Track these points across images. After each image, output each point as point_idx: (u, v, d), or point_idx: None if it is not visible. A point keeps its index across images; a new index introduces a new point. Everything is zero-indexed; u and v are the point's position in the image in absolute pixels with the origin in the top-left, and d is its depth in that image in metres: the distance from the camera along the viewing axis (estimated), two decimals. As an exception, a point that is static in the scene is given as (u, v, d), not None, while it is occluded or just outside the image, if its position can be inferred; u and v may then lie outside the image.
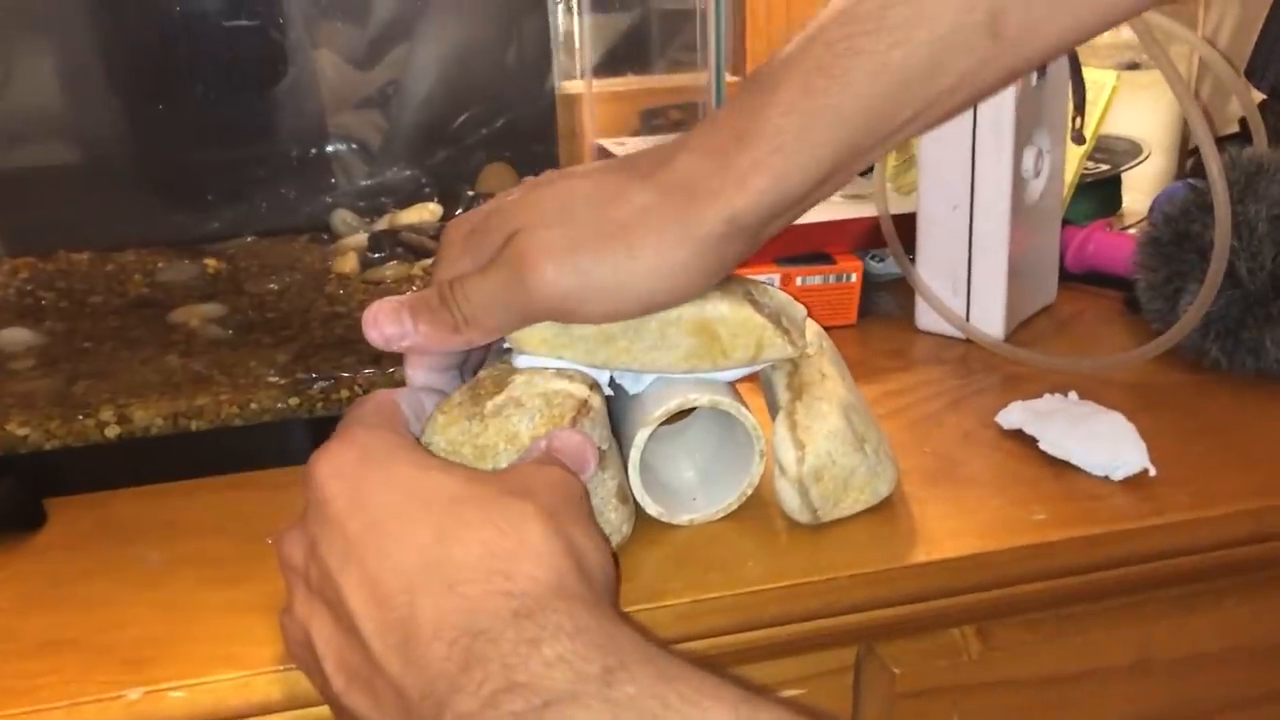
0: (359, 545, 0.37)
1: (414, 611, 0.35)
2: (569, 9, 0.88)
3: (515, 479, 0.40)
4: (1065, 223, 0.76)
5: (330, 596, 0.37)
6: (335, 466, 0.39)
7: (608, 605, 0.36)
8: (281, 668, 0.42)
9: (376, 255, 0.73)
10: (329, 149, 0.82)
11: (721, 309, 0.47)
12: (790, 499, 0.48)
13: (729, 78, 0.98)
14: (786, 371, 0.50)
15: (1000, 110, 0.63)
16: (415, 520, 0.37)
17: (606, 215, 0.44)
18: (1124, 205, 0.89)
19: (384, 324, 0.46)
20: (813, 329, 0.52)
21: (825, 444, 0.47)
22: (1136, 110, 0.86)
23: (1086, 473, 0.53)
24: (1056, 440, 0.55)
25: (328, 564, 0.37)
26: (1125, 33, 0.88)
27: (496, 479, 0.40)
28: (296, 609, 0.39)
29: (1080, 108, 0.67)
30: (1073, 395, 0.59)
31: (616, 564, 0.38)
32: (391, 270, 0.71)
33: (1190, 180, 0.68)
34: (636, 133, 0.91)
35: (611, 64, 0.92)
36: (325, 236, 0.78)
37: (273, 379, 0.57)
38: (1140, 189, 0.89)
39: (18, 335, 0.63)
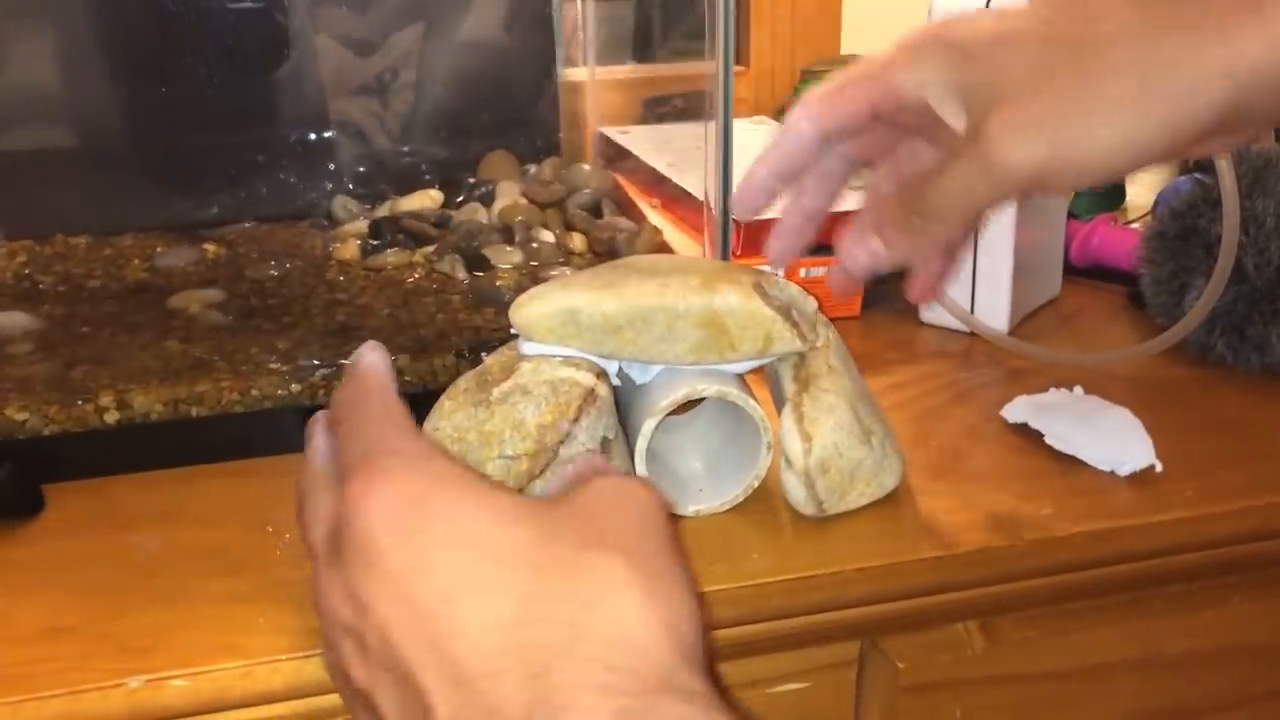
0: (430, 620, 0.32)
1: (500, 700, 0.30)
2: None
3: (592, 521, 0.34)
4: (1070, 216, 0.75)
5: (399, 672, 0.32)
6: (386, 515, 0.34)
7: (712, 696, 0.31)
8: (283, 657, 0.42)
9: (377, 242, 0.72)
10: (329, 134, 0.81)
11: (731, 301, 0.47)
12: (796, 491, 0.47)
13: (734, 68, 0.98)
14: (793, 363, 0.49)
15: (1008, 102, 0.63)
16: (493, 592, 0.32)
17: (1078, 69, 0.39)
18: (1128, 199, 0.89)
19: (859, 254, 0.44)
20: (820, 321, 0.51)
21: (832, 436, 0.47)
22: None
23: (1092, 467, 0.53)
24: (1062, 435, 0.54)
25: (391, 636, 0.32)
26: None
27: (572, 523, 0.34)
28: (354, 673, 0.34)
29: (1088, 101, 0.67)
30: (1078, 390, 0.59)
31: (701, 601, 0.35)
32: (392, 257, 0.70)
33: (1196, 175, 0.68)
34: (640, 120, 0.91)
35: (614, 51, 0.92)
36: (325, 222, 0.78)
37: (274, 365, 0.57)
38: (1144, 183, 0.89)
39: (15, 319, 0.63)
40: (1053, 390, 0.58)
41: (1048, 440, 0.54)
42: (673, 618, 0.32)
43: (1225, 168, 0.56)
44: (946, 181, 0.42)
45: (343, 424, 0.39)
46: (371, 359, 0.42)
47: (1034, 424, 0.55)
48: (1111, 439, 0.54)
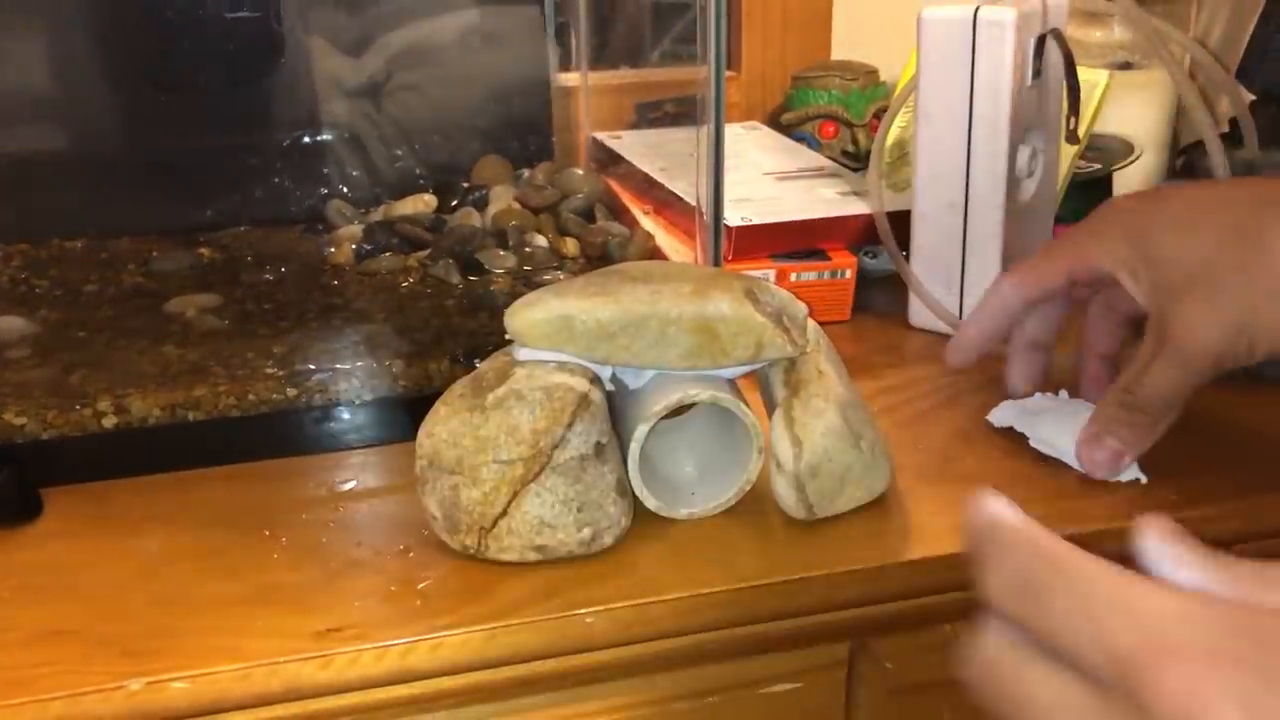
0: None
1: None
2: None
3: None
4: (1057, 221, 0.76)
5: None
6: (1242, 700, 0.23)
7: None
8: (281, 659, 0.42)
9: (371, 246, 0.73)
10: (324, 139, 0.82)
11: (722, 307, 0.47)
12: (787, 495, 0.48)
13: (725, 72, 0.98)
14: (784, 368, 0.50)
15: (996, 109, 0.64)
16: None
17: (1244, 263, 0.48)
18: (1114, 204, 0.90)
19: (1102, 458, 0.52)
20: (810, 326, 0.52)
21: (822, 441, 0.48)
22: (1128, 110, 0.86)
23: (1078, 470, 0.54)
24: (1047, 439, 0.55)
25: None
26: (1117, 32, 0.88)
27: None
28: None
29: (1075, 108, 0.68)
30: (1063, 394, 0.59)
31: None
32: (387, 261, 0.71)
33: (1180, 181, 0.69)
34: (632, 126, 0.91)
35: (607, 56, 0.92)
36: (320, 227, 0.78)
37: (270, 370, 0.57)
38: (1131, 188, 0.90)
39: (13, 324, 0.63)
40: (1038, 394, 0.59)
41: (1032, 444, 0.55)
42: None
43: (1221, 165, 0.57)
44: (1157, 380, 0.50)
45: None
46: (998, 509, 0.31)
47: (1019, 427, 0.56)
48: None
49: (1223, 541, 0.53)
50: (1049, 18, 0.66)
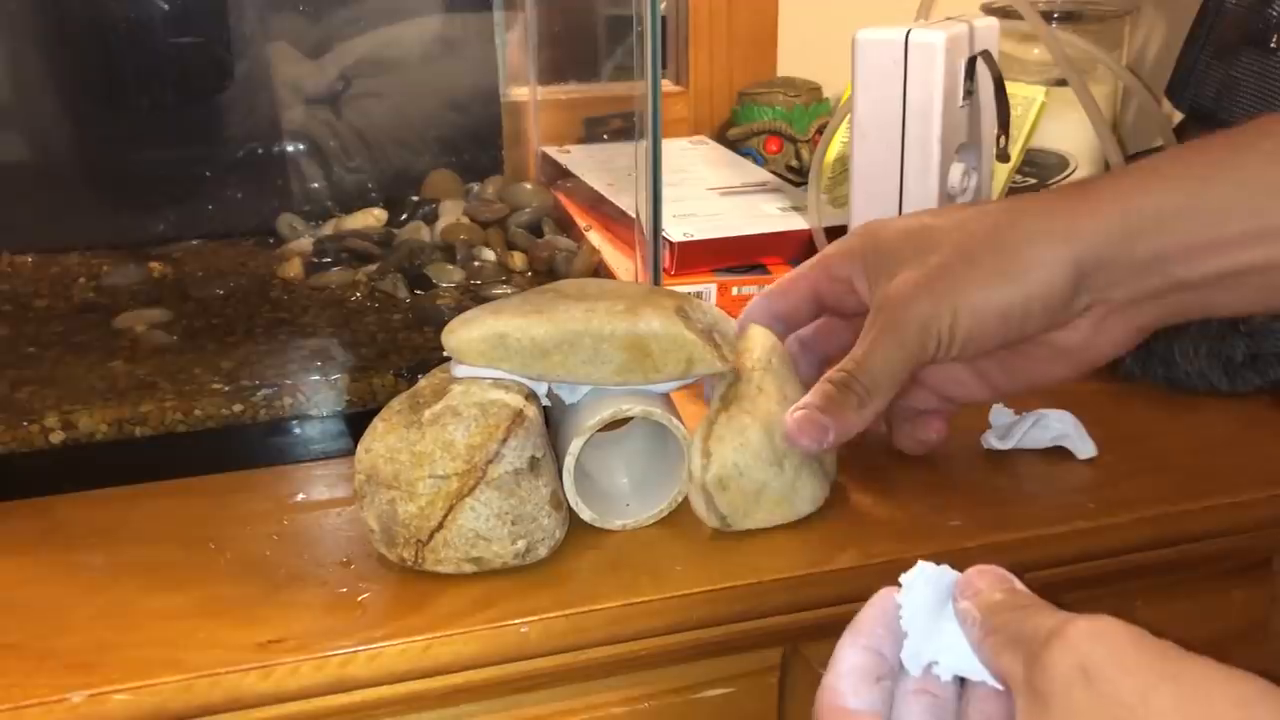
0: None
1: None
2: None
3: None
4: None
5: None
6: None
7: None
8: (222, 671, 0.43)
9: (321, 260, 0.74)
10: (276, 153, 0.83)
11: (654, 325, 0.49)
12: (697, 503, 0.50)
13: (674, 87, 1.00)
14: (727, 383, 0.51)
15: (927, 128, 0.66)
16: None
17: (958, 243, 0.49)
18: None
19: (805, 437, 0.49)
20: (766, 345, 0.53)
21: (733, 456, 0.49)
22: (1064, 125, 0.88)
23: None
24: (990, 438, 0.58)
25: None
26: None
27: None
28: None
29: (1005, 127, 0.70)
30: (997, 405, 0.61)
31: None
32: (336, 275, 0.72)
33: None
34: (580, 140, 0.93)
35: (556, 71, 0.94)
36: (271, 240, 0.79)
37: (216, 386, 0.58)
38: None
39: (-39, 340, 0.64)
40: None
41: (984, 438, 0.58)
42: None
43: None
44: (872, 358, 0.49)
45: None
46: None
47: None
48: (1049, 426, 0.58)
49: (1141, 548, 0.55)
50: (978, 40, 0.68)
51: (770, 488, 0.50)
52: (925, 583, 0.38)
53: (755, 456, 0.49)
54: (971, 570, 0.38)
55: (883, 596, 0.38)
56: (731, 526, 0.50)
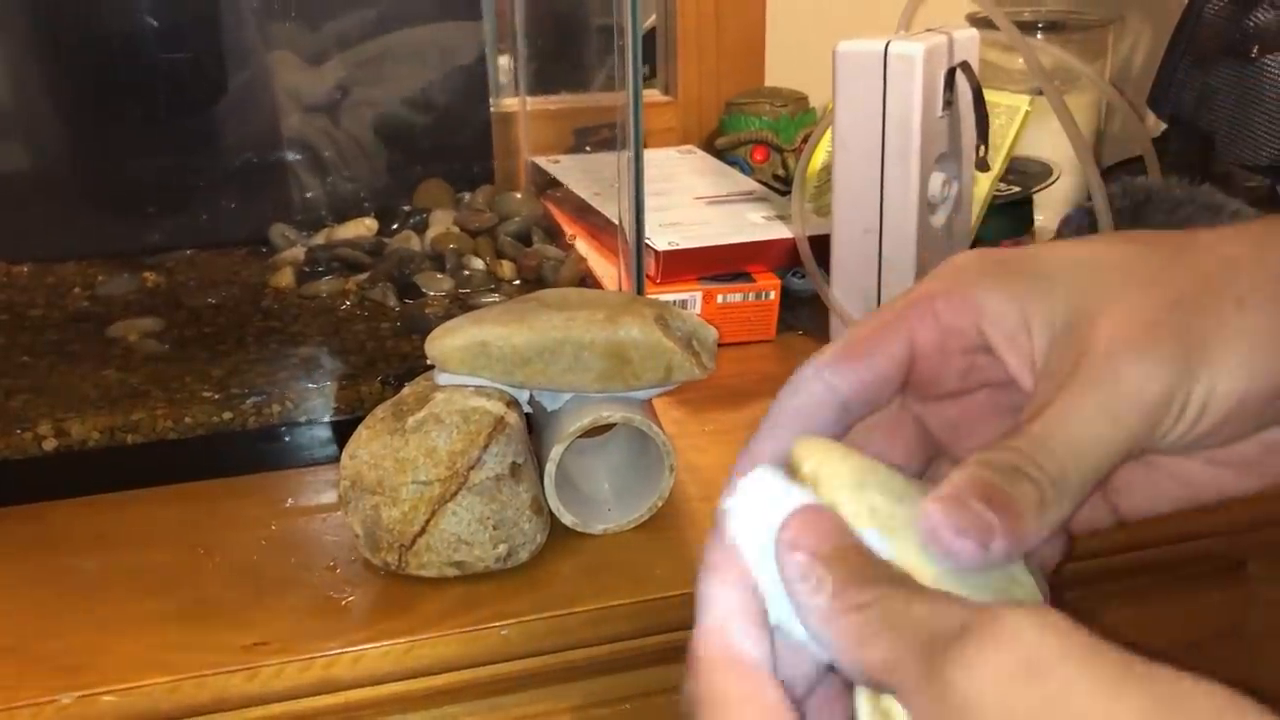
0: None
1: None
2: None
3: None
4: (978, 241, 0.79)
5: None
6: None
7: None
8: (209, 672, 0.44)
9: (313, 269, 0.75)
10: (269, 162, 0.84)
11: (633, 333, 0.50)
12: None
13: (663, 98, 1.01)
14: None
15: (907, 138, 0.67)
16: None
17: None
18: (1037, 224, 0.93)
19: (960, 538, 0.28)
20: (849, 479, 0.32)
21: None
22: (1048, 133, 0.89)
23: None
24: None
25: None
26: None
27: None
28: None
29: (984, 137, 0.71)
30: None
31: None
32: (327, 285, 0.73)
33: (1087, 205, 0.72)
34: (570, 150, 0.94)
35: (547, 82, 0.95)
36: (264, 249, 0.80)
37: (207, 394, 0.59)
38: (1053, 208, 0.93)
39: (-43, 349, 0.65)
40: None
41: None
42: None
43: (1102, 206, 0.60)
44: (1064, 431, 0.30)
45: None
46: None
47: None
48: None
49: (1116, 550, 0.56)
50: (958, 51, 0.69)
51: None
52: (767, 503, 0.28)
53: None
54: (799, 513, 0.29)
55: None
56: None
